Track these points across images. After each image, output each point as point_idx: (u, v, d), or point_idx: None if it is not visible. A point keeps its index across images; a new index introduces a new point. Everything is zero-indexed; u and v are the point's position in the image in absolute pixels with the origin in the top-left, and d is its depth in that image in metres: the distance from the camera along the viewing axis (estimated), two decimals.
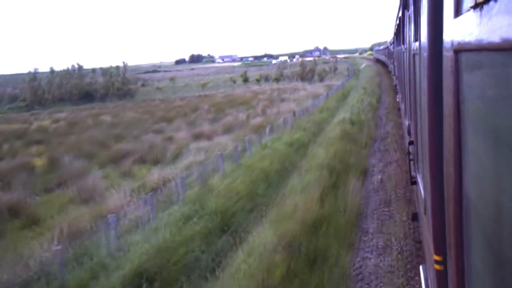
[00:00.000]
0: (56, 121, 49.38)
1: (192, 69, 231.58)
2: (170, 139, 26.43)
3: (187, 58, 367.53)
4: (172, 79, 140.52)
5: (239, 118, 32.39)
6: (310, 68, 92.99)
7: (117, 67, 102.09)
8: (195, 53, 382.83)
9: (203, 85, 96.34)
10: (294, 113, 26.86)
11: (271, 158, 15.22)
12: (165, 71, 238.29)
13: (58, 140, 30.76)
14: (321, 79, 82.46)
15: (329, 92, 42.23)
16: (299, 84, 76.25)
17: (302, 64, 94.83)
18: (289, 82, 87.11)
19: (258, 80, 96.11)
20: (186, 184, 12.50)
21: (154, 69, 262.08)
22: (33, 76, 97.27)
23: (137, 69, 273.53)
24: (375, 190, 11.08)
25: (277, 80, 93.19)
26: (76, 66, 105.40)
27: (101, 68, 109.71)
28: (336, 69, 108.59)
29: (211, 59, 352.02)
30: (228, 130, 27.56)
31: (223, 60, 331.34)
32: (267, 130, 20.90)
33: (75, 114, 57.75)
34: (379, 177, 12.07)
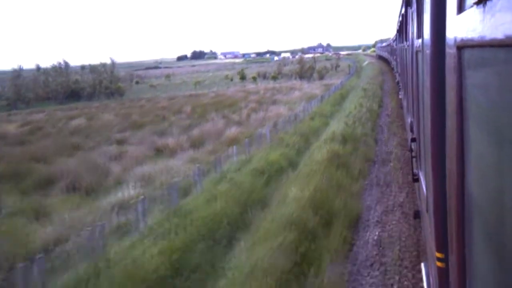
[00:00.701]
0: (26, 124, 44.54)
1: (193, 65, 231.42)
2: (122, 154, 21.74)
3: (189, 55, 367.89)
4: (168, 76, 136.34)
5: (218, 126, 27.60)
6: (309, 65, 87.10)
7: (104, 64, 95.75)
8: (198, 49, 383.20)
9: (196, 84, 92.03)
10: (275, 124, 21.96)
11: (226, 200, 10.08)
12: (165, 67, 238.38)
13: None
14: (321, 78, 78.24)
15: (326, 93, 38.81)
16: (297, 82, 71.99)
17: (301, 62, 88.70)
18: (287, 80, 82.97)
19: (254, 78, 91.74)
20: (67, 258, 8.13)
21: (155, 65, 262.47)
22: (18, 74, 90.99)
23: (139, 65, 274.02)
24: (368, 269, 6.80)
25: (274, 78, 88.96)
26: (62, 63, 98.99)
27: (90, 65, 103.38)
28: (338, 66, 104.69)
29: (213, 55, 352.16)
30: (197, 143, 23.09)
31: (225, 56, 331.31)
32: (234, 150, 15.87)
33: (52, 115, 52.72)
34: (376, 233, 7.98)
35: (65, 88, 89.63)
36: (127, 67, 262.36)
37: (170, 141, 23.83)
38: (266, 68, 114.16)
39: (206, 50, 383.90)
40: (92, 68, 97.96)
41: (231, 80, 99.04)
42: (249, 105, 38.55)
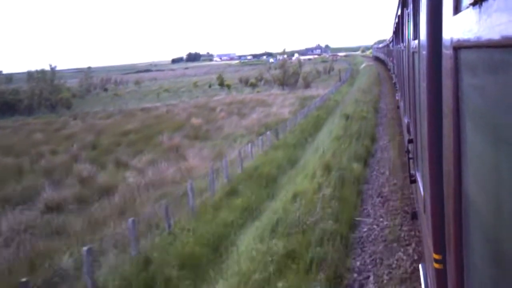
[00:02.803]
0: None
1: (186, 68, 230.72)
2: None
3: (185, 57, 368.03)
4: (138, 82, 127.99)
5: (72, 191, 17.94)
6: (293, 70, 73.70)
7: (43, 71, 79.25)
8: (197, 51, 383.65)
9: (164, 92, 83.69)
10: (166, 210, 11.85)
11: None
12: (158, 70, 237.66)
13: None
14: (307, 85, 67.62)
15: (300, 113, 31.21)
16: (274, 92, 61.86)
17: (283, 66, 73.41)
18: (268, 87, 73.68)
19: (228, 86, 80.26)
20: None
21: (146, 69, 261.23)
22: None
23: (133, 68, 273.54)
24: None
25: (253, 85, 77.79)
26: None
27: (28, 73, 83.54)
28: (332, 69, 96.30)
29: (209, 57, 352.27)
30: None
31: (221, 58, 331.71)
32: None
33: None
34: None
35: None
36: (121, 69, 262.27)
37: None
38: (254, 72, 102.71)
39: (203, 52, 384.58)
40: (30, 76, 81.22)
41: (210, 86, 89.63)
42: (173, 140, 28.32)
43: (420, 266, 3.94)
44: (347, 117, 20.51)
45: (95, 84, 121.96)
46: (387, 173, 11.34)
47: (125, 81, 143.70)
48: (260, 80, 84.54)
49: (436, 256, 2.63)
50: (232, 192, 14.70)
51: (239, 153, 18.73)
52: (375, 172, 11.61)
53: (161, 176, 18.85)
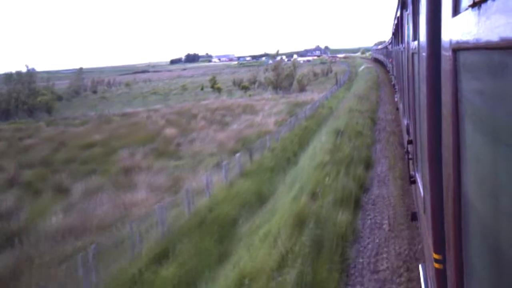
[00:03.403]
0: None
1: (184, 69, 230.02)
2: None
3: (183, 58, 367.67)
4: (128, 84, 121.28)
5: None
6: (287, 73, 68.86)
7: (20, 73, 72.92)
8: (196, 52, 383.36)
9: (145, 97, 78.09)
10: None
11: None
12: (155, 71, 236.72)
13: None
14: (302, 88, 63.29)
15: (292, 120, 27.81)
16: (266, 96, 57.17)
17: (277, 69, 68.12)
18: (262, 90, 69.58)
19: (219, 89, 75.75)
20: None
21: (143, 70, 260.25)
22: None
23: (131, 69, 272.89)
24: None
25: (245, 88, 73.28)
26: None
27: (6, 75, 76.18)
28: (330, 71, 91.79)
29: (208, 58, 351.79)
30: None
31: (219, 59, 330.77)
32: None
33: None
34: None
35: None
36: (119, 70, 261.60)
37: None
38: (251, 74, 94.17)
39: (203, 53, 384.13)
40: (7, 78, 74.36)
41: (202, 89, 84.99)
42: (134, 157, 24.77)
43: (419, 266, 3.94)
44: (338, 132, 16.59)
45: (86, 86, 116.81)
46: (385, 226, 8.06)
47: (118, 83, 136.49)
48: (254, 82, 79.74)
49: (436, 256, 2.63)
50: (163, 255, 10.27)
51: (198, 183, 15.41)
52: (369, 223, 8.35)
53: (89, 216, 14.77)
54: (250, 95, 63.24)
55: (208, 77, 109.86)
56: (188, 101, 62.25)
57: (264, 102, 48.63)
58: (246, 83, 78.50)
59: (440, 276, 2.55)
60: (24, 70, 74.55)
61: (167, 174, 20.08)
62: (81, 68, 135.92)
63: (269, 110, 40.39)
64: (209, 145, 26.46)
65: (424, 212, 3.54)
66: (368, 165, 12.24)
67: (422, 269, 3.77)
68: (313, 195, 9.53)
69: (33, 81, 72.54)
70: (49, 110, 65.18)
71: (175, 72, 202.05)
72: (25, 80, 71.37)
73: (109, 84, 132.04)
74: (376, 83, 39.00)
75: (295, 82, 67.10)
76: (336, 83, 58.52)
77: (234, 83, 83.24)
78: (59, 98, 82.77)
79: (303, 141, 21.94)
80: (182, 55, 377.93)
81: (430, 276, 3.16)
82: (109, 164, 23.69)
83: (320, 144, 16.16)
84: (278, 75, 67.51)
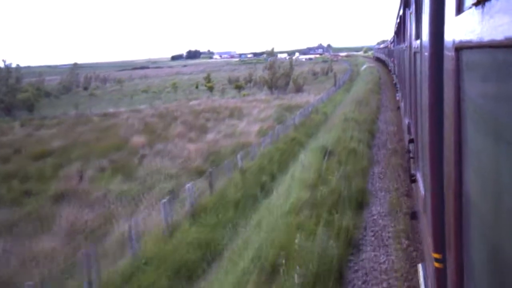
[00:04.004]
0: None
1: (185, 65, 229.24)
2: None
3: (185, 54, 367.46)
4: (119, 81, 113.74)
5: None
6: (283, 72, 63.42)
7: None
8: (197, 49, 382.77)
9: (132, 96, 73.55)
10: None
11: None
12: (155, 67, 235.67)
13: None
14: (298, 89, 59.51)
15: (279, 129, 24.05)
16: (262, 96, 54.20)
17: (272, 67, 63.28)
18: (257, 89, 65.97)
19: (210, 88, 70.52)
20: None
21: (143, 66, 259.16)
22: None
23: (132, 65, 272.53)
24: None
25: (239, 88, 68.36)
26: None
27: None
28: (331, 70, 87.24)
29: (210, 55, 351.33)
30: None
31: (221, 56, 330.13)
32: None
33: None
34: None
35: None
36: (119, 66, 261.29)
37: None
38: (250, 71, 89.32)
39: (205, 50, 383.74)
40: None
41: (197, 87, 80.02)
42: (65, 181, 20.23)
43: (419, 265, 3.94)
44: (325, 152, 13.17)
45: (79, 82, 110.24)
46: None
47: (113, 79, 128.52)
48: (250, 81, 74.92)
49: (436, 256, 2.63)
50: None
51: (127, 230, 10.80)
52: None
53: None
54: (244, 95, 59.75)
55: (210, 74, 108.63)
56: (178, 101, 58.76)
57: (254, 104, 44.16)
58: (241, 82, 73.53)
59: (440, 275, 2.55)
60: (14, 66, 69.10)
61: (103, 207, 15.89)
62: (75, 63, 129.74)
63: (257, 114, 36.39)
64: (174, 160, 21.97)
65: (424, 211, 3.54)
66: (362, 203, 8.93)
67: (422, 269, 3.77)
68: (272, 272, 6.46)
69: (12, 77, 66.14)
70: (30, 108, 60.71)
71: (175, 68, 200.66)
72: (2, 77, 65.07)
73: (103, 81, 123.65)
74: (377, 85, 36.30)
75: (291, 82, 62.61)
76: (335, 84, 55.02)
77: (230, 81, 78.58)
78: (47, 95, 79.43)
79: (285, 158, 18.28)
80: (184, 51, 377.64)
81: (429, 276, 3.16)
82: (50, 184, 19.78)
83: (301, 170, 12.31)
84: (273, 74, 62.43)
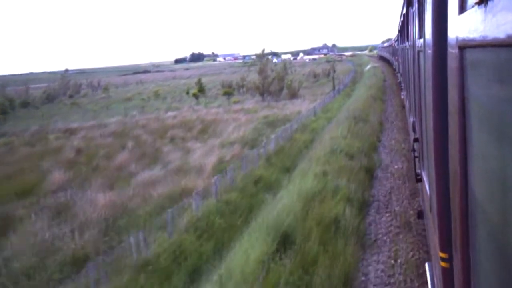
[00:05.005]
0: None
1: (187, 69, 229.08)
2: None
3: (188, 57, 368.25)
4: (106, 89, 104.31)
5: None
6: (276, 75, 56.83)
7: None
8: (201, 51, 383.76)
9: (108, 107, 67.27)
10: None
11: None
12: (157, 71, 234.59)
13: None
14: (293, 94, 53.14)
15: (243, 159, 18.19)
16: (249, 105, 47.99)
17: (262, 71, 56.08)
18: (250, 95, 59.92)
19: (195, 95, 63.36)
20: None
21: (145, 70, 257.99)
22: None
23: (135, 69, 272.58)
24: None
25: (228, 94, 60.67)
26: None
27: None
28: (334, 71, 77.22)
29: (214, 57, 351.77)
30: None
31: (224, 58, 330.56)
32: None
33: None
34: None
35: None
36: (121, 70, 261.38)
37: None
38: (251, 74, 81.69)
39: (209, 52, 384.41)
40: None
41: (187, 93, 72.20)
42: None
43: (426, 265, 3.93)
44: (279, 240, 7.46)
45: (67, 89, 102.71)
46: None
47: (106, 85, 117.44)
48: (242, 86, 68.44)
49: (443, 255, 2.62)
50: None
51: None
52: None
53: None
54: (234, 102, 54.05)
55: (208, 78, 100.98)
56: (158, 111, 52.97)
57: (235, 116, 37.95)
58: (230, 89, 66.33)
59: (447, 275, 2.54)
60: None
61: None
62: (66, 70, 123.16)
63: (231, 133, 29.66)
64: (61, 226, 14.78)
65: (431, 210, 3.53)
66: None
67: (429, 268, 3.76)
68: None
69: None
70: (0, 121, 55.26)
71: (177, 72, 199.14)
72: None
73: (94, 87, 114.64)
74: (381, 90, 31.95)
75: (285, 87, 56.42)
76: (334, 88, 49.38)
77: (223, 85, 72.07)
78: (24, 105, 75.47)
79: (230, 234, 11.38)
80: (188, 54, 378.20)
81: (436, 275, 3.15)
82: None
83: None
84: (265, 78, 55.61)
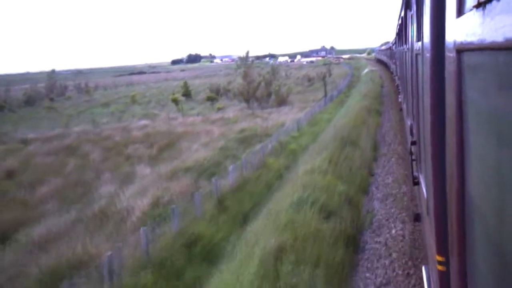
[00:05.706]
0: None
1: (183, 70, 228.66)
2: None
3: (185, 58, 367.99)
4: (88, 91, 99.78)
5: None
6: (262, 80, 53.41)
7: None
8: (199, 53, 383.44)
9: (79, 114, 62.99)
10: None
11: None
12: (152, 72, 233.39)
13: None
14: (281, 102, 49.11)
15: (190, 199, 13.82)
16: (230, 113, 44.68)
17: (247, 75, 52.02)
18: (237, 101, 56.00)
19: (175, 101, 58.08)
20: None
21: (140, 71, 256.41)
22: None
23: (130, 70, 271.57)
24: None
25: (212, 99, 57.67)
26: None
27: None
28: (330, 74, 78.02)
29: (211, 59, 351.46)
30: None
31: (221, 60, 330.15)
32: None
33: None
34: None
35: None
36: (117, 71, 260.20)
37: None
38: (226, 79, 78.82)
39: (206, 53, 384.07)
40: None
41: (176, 98, 64.19)
42: None
43: (423, 268, 3.93)
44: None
45: (52, 91, 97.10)
46: None
47: (97, 86, 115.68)
48: (229, 90, 64.36)
49: (440, 258, 2.62)
50: None
51: None
52: None
53: None
54: (219, 108, 51.20)
55: (201, 80, 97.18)
56: (134, 118, 48.97)
57: (209, 128, 33.43)
58: (211, 94, 62.07)
59: (444, 278, 2.54)
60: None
61: None
62: (53, 70, 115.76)
63: (193, 153, 24.55)
64: None
65: (427, 213, 3.53)
66: None
67: (425, 271, 3.76)
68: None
69: None
70: None
71: (173, 73, 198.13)
72: None
73: (81, 89, 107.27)
74: (378, 99, 27.81)
75: (272, 94, 52.22)
76: (325, 96, 45.55)
77: (211, 90, 67.83)
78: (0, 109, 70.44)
79: None
80: (185, 55, 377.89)
81: (433, 279, 3.15)
82: None
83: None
84: (249, 83, 50.98)
